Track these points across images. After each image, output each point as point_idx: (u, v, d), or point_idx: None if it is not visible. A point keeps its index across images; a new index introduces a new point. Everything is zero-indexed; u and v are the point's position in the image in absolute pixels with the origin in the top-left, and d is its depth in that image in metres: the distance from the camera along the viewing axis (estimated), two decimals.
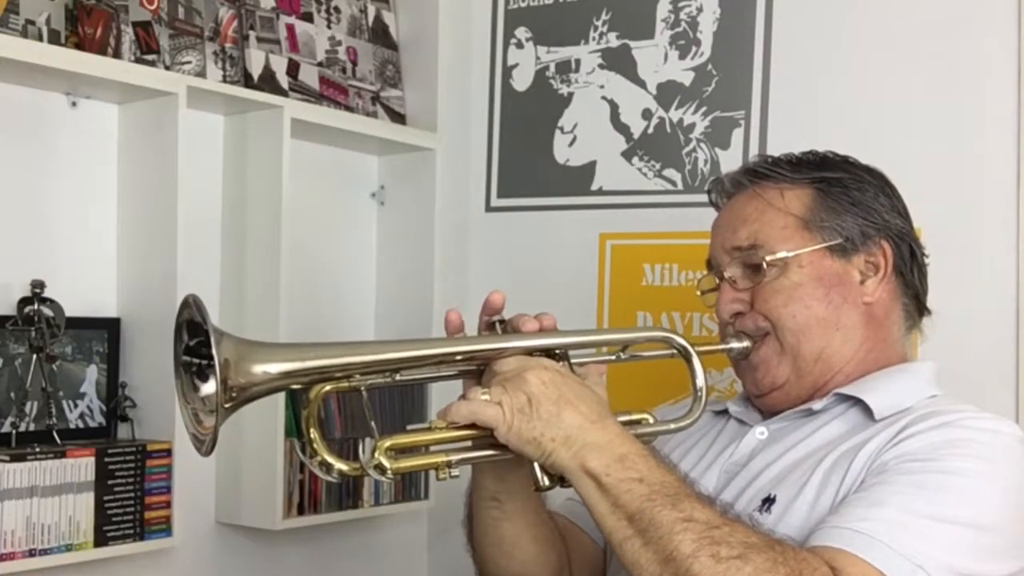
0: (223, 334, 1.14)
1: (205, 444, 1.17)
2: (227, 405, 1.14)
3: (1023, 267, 1.94)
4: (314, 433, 1.22)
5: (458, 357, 1.29)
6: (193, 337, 1.18)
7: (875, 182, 1.48)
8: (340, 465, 1.21)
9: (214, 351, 1.11)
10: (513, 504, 1.42)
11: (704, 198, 2.23)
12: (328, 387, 1.23)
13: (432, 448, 1.24)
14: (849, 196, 1.45)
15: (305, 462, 1.24)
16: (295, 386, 1.23)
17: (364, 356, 1.25)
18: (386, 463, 1.19)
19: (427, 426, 1.24)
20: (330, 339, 2.38)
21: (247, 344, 1.17)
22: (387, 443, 1.20)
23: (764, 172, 1.48)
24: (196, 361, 1.17)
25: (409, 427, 1.25)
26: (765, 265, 1.42)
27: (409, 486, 2.39)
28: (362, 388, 1.25)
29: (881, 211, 1.45)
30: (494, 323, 1.32)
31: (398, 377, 1.28)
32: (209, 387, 1.16)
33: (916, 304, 1.49)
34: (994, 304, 1.94)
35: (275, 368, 1.18)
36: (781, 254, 1.42)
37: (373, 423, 1.24)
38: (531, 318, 1.32)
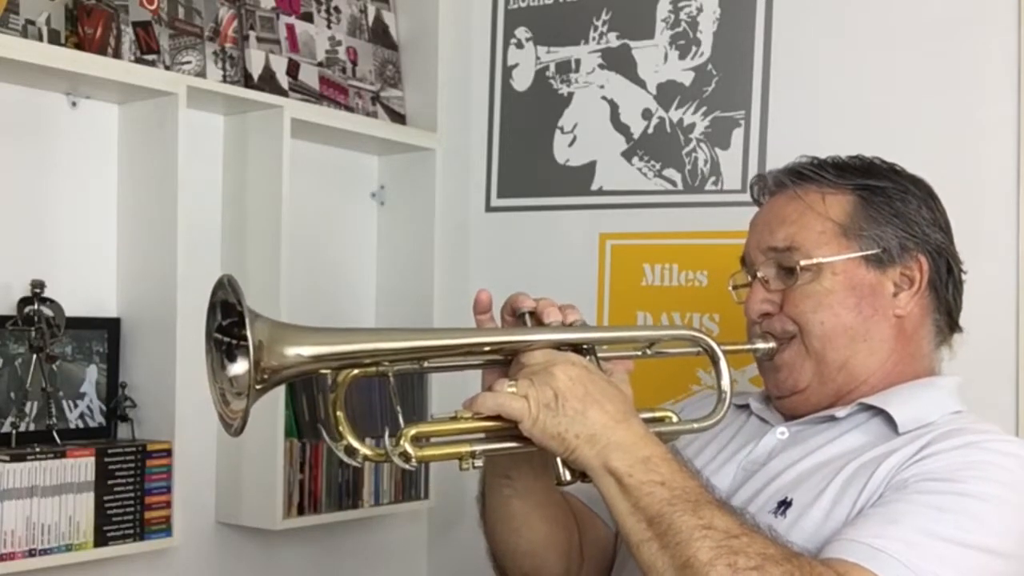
0: (257, 315, 1.14)
1: (234, 425, 1.17)
2: (259, 387, 1.13)
3: (1023, 267, 1.94)
4: (341, 416, 1.23)
5: (486, 348, 1.29)
6: (226, 317, 1.17)
7: (919, 193, 1.46)
8: (365, 450, 1.21)
9: (248, 332, 1.11)
10: (524, 482, 1.42)
11: (704, 198, 2.27)
12: (356, 372, 1.23)
13: (456, 438, 1.24)
14: (891, 207, 1.43)
15: (331, 446, 1.24)
16: (324, 371, 1.23)
17: (395, 343, 1.25)
18: (411, 451, 1.19)
19: (452, 415, 1.24)
20: None
21: (281, 326, 1.17)
22: (412, 431, 1.20)
23: (808, 174, 1.47)
24: (228, 340, 1.17)
25: (434, 415, 1.25)
26: (799, 269, 1.41)
27: (409, 486, 2.39)
28: (390, 374, 1.25)
29: (922, 224, 1.44)
30: (523, 315, 1.32)
31: (426, 365, 1.28)
32: (238, 368, 1.16)
33: (948, 320, 1.48)
34: (994, 304, 1.94)
35: (307, 351, 1.17)
36: (816, 259, 1.41)
37: (399, 408, 1.24)
38: (555, 308, 1.32)
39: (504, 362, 1.31)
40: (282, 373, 1.16)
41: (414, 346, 1.26)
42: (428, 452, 1.21)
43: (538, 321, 1.32)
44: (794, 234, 1.43)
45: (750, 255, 1.49)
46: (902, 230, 1.43)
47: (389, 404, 1.25)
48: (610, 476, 1.20)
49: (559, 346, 1.29)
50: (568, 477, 1.25)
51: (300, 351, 1.17)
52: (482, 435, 1.25)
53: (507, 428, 1.23)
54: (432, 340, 1.28)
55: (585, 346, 1.31)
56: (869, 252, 1.42)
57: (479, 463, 1.23)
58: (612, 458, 1.20)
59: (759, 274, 1.46)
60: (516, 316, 1.33)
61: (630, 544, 1.20)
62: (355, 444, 1.21)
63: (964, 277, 1.49)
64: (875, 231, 1.42)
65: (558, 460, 1.25)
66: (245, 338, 1.11)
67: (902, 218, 1.43)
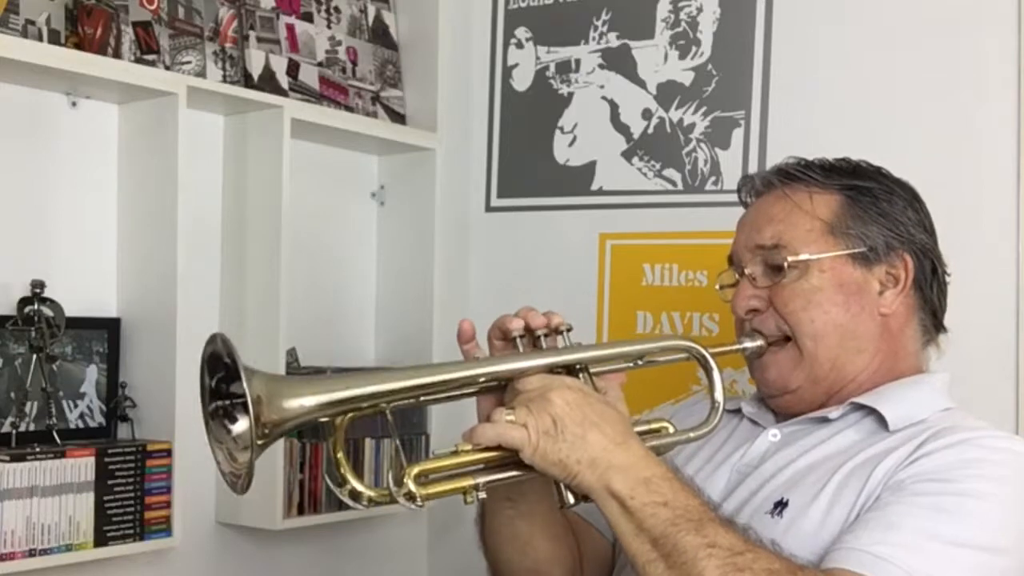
0: (253, 372, 1.14)
1: (241, 481, 1.17)
2: (260, 442, 1.13)
3: (1023, 267, 1.94)
4: (342, 459, 1.23)
5: (481, 379, 1.29)
6: (214, 375, 1.17)
7: (904, 195, 1.48)
8: (369, 493, 1.22)
9: (246, 388, 1.11)
10: (527, 503, 1.42)
11: (704, 198, 2.27)
12: (353, 414, 1.24)
13: (458, 471, 1.24)
14: (877, 206, 1.45)
15: (335, 491, 1.24)
16: (324, 419, 1.22)
17: (393, 384, 1.25)
18: (415, 490, 1.19)
19: (453, 450, 1.24)
20: (330, 338, 2.38)
21: (277, 380, 1.18)
22: (415, 470, 1.20)
23: (795, 174, 1.48)
24: (226, 403, 1.17)
25: (435, 452, 1.25)
26: (786, 266, 1.42)
27: None
28: (387, 412, 1.25)
29: (907, 224, 1.45)
30: (514, 338, 1.32)
31: (422, 399, 1.28)
32: (241, 426, 1.16)
33: (933, 320, 1.49)
34: (994, 305, 1.94)
35: (308, 402, 1.18)
36: (803, 256, 1.42)
37: (398, 442, 1.24)
38: (535, 312, 1.32)
39: (499, 388, 1.31)
40: (284, 426, 1.16)
41: (411, 385, 1.26)
42: (432, 490, 1.21)
43: (531, 341, 1.31)
44: (781, 232, 1.44)
45: (738, 254, 1.51)
46: (888, 229, 1.44)
47: (381, 429, 1.25)
48: (613, 499, 1.20)
49: (553, 369, 1.29)
50: (571, 500, 1.25)
51: (301, 402, 1.17)
52: (483, 466, 1.25)
53: (508, 457, 1.23)
54: (429, 377, 1.27)
55: (578, 366, 1.31)
56: (855, 250, 1.43)
57: (483, 495, 1.23)
58: (614, 481, 1.20)
59: (747, 271, 1.47)
60: (506, 339, 1.33)
61: (636, 565, 1.20)
62: (359, 488, 1.21)
63: (948, 279, 1.50)
64: (861, 229, 1.44)
65: (561, 485, 1.25)
66: (240, 396, 1.11)
67: (888, 218, 1.45)
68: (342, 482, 1.22)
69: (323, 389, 1.20)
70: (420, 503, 1.19)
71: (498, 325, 1.34)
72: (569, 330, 1.33)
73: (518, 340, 1.31)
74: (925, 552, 1.18)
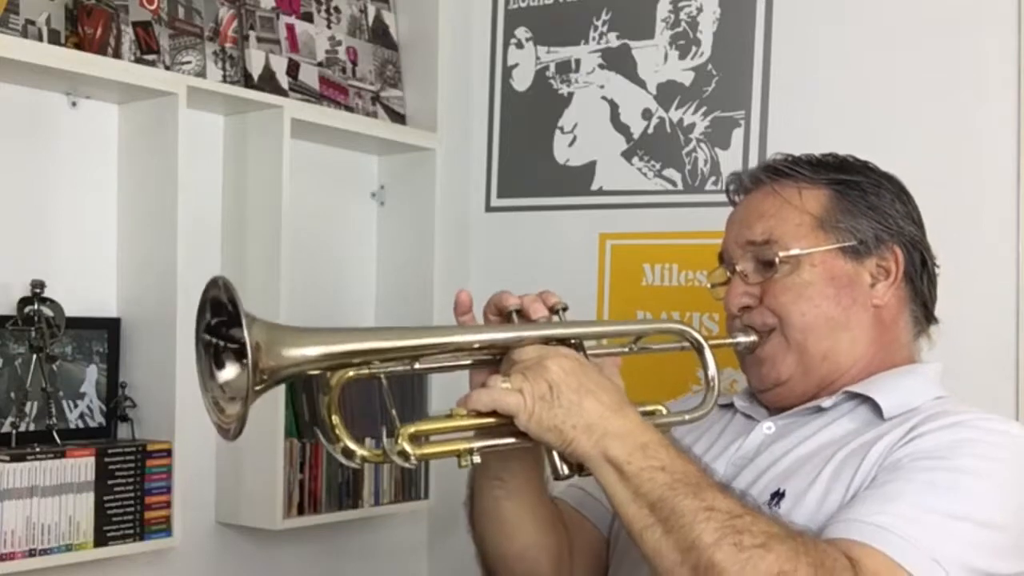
0: (254, 318, 1.13)
1: (231, 430, 1.15)
2: (257, 388, 1.13)
3: (1023, 267, 1.94)
4: (336, 419, 1.22)
5: (476, 345, 1.29)
6: (216, 319, 1.16)
7: (892, 188, 1.48)
8: (362, 451, 1.20)
9: (246, 334, 1.10)
10: (516, 484, 1.42)
11: (704, 198, 2.27)
12: (350, 373, 1.23)
13: (453, 435, 1.23)
14: (866, 200, 1.45)
15: (328, 448, 1.23)
16: (314, 371, 1.22)
17: (388, 342, 1.24)
18: (409, 449, 1.18)
19: (448, 413, 1.24)
20: None
21: (276, 328, 1.17)
22: (410, 430, 1.20)
23: (784, 170, 1.49)
24: (221, 343, 1.16)
25: (430, 414, 1.24)
26: (778, 261, 1.43)
27: (409, 486, 2.39)
28: (381, 375, 1.25)
29: (896, 217, 1.46)
30: (510, 313, 1.32)
31: (417, 366, 1.28)
32: (229, 373, 1.15)
33: (924, 312, 1.50)
34: (994, 304, 1.94)
35: (304, 352, 1.17)
36: (794, 251, 1.43)
37: (393, 411, 1.24)
38: (541, 304, 1.32)
39: (493, 361, 1.31)
40: (280, 374, 1.16)
41: (405, 345, 1.25)
42: (426, 450, 1.21)
43: (524, 318, 1.31)
44: (772, 228, 1.45)
45: (728, 251, 1.51)
46: (877, 222, 1.45)
47: (385, 406, 1.24)
48: (609, 465, 1.20)
49: (548, 341, 1.29)
50: (566, 471, 1.24)
51: (298, 352, 1.17)
52: (478, 432, 1.24)
53: (503, 424, 1.23)
54: (422, 339, 1.27)
55: (573, 341, 1.31)
56: (846, 244, 1.44)
57: (477, 459, 1.22)
58: (610, 447, 1.19)
59: (738, 268, 1.48)
60: (502, 315, 1.33)
61: (633, 533, 1.19)
62: (352, 446, 1.20)
63: (937, 271, 1.51)
64: (851, 223, 1.44)
65: (555, 454, 1.24)
66: (238, 340, 1.11)
67: (877, 211, 1.45)
68: (336, 439, 1.21)
69: (321, 341, 1.19)
70: (414, 462, 1.19)
71: (494, 301, 1.34)
72: (565, 309, 1.33)
73: (514, 315, 1.31)
74: (923, 523, 1.18)
